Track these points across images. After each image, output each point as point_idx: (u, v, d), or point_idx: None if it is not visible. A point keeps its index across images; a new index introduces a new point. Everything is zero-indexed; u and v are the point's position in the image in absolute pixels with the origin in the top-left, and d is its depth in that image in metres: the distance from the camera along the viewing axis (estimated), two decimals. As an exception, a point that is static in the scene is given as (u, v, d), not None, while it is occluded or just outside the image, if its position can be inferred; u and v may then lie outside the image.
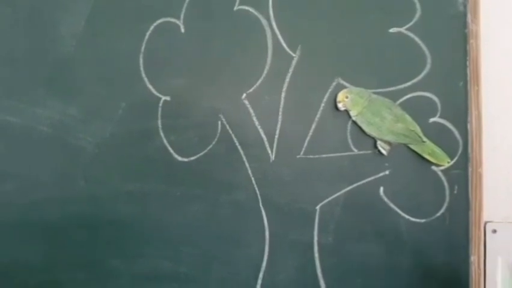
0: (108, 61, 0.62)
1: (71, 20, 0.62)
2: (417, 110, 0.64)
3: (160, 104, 0.62)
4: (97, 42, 0.62)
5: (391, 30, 0.63)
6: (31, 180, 0.62)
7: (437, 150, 0.64)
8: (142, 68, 0.62)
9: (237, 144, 0.63)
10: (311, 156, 0.64)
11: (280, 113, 0.63)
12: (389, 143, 0.64)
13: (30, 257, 0.62)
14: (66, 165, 0.62)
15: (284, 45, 0.63)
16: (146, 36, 0.62)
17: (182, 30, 0.62)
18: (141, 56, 0.62)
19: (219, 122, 0.63)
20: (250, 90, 0.63)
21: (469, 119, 0.64)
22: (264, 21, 0.63)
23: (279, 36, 0.63)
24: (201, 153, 0.63)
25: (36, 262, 0.63)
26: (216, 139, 0.63)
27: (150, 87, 0.62)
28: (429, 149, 0.64)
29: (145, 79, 0.62)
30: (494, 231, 0.67)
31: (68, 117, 0.61)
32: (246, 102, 0.63)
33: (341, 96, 0.63)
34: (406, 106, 0.64)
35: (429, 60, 0.63)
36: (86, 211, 0.62)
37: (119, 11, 0.62)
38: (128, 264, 0.63)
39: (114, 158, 0.62)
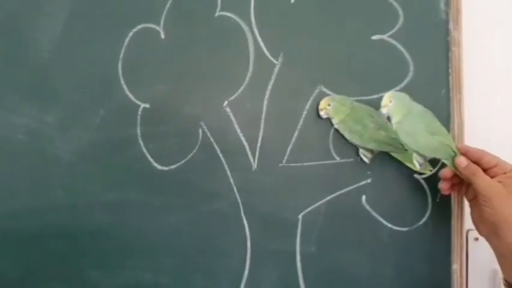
0: (86, 67, 0.60)
1: (48, 24, 0.60)
2: (400, 118, 0.63)
3: (139, 112, 0.61)
4: (74, 48, 0.60)
5: (373, 38, 0.63)
6: (7, 189, 0.60)
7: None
8: (120, 75, 0.61)
9: (219, 152, 0.62)
10: (293, 165, 0.63)
11: (262, 121, 0.63)
12: (371, 150, 0.63)
13: (6, 268, 0.61)
14: (43, 174, 0.60)
15: (266, 52, 0.62)
16: (126, 42, 0.61)
17: (163, 36, 0.61)
18: (120, 62, 0.61)
19: (200, 130, 0.62)
20: (232, 97, 0.62)
21: (451, 126, 0.64)
22: (245, 28, 0.62)
23: (261, 43, 0.62)
24: (181, 162, 0.62)
25: (13, 273, 0.61)
26: (196, 147, 0.62)
27: (129, 94, 0.61)
28: (412, 157, 0.63)
29: (124, 86, 0.61)
30: (476, 239, 0.68)
31: (45, 125, 0.60)
32: (228, 109, 0.62)
33: (323, 103, 0.63)
34: (388, 114, 0.63)
35: (411, 68, 0.63)
36: (64, 221, 0.61)
37: (97, 16, 0.61)
38: (108, 275, 0.62)
39: (92, 167, 0.61)
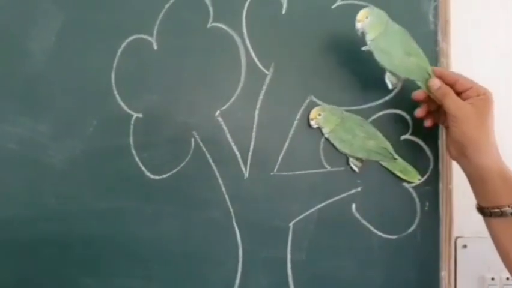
0: (79, 78, 0.61)
1: (41, 35, 0.61)
2: (389, 128, 0.65)
3: (132, 121, 0.62)
4: (67, 58, 0.61)
5: (363, 48, 0.64)
6: (0, 198, 0.60)
7: (409, 167, 0.65)
8: (113, 85, 0.61)
9: (211, 161, 0.63)
10: (285, 173, 0.64)
11: (254, 130, 0.64)
12: (361, 160, 0.64)
13: (-1, 276, 0.61)
14: (36, 183, 0.61)
15: (258, 62, 0.63)
16: (118, 53, 0.61)
17: (155, 47, 0.62)
18: (113, 72, 0.61)
19: (192, 139, 0.63)
20: (224, 107, 0.63)
21: (439, 136, 0.65)
22: (237, 39, 0.63)
23: (253, 54, 0.63)
24: (174, 171, 0.62)
25: (6, 282, 0.61)
26: (189, 156, 0.62)
27: (122, 104, 0.61)
28: (401, 166, 0.65)
29: (117, 96, 0.61)
30: (465, 246, 0.69)
31: (38, 134, 0.60)
32: (220, 119, 0.63)
33: (313, 113, 0.64)
34: (378, 123, 0.64)
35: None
36: (57, 229, 0.61)
37: (90, 27, 0.61)
38: (101, 282, 0.62)
39: (85, 176, 0.61)
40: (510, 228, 0.56)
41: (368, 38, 0.59)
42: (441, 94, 0.58)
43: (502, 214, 0.55)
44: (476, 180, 0.58)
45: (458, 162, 0.60)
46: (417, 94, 0.61)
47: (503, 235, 0.57)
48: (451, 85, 0.59)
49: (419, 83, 0.60)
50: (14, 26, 0.61)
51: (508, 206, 0.55)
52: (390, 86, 0.61)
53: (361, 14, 0.59)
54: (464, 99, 0.57)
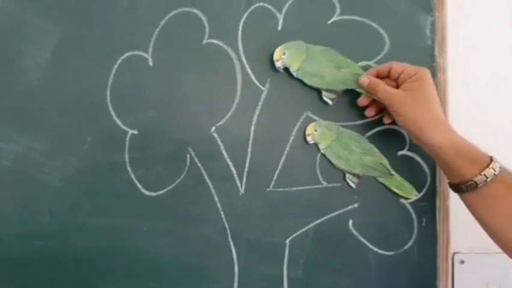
0: (74, 94, 0.61)
1: (36, 52, 0.60)
2: (386, 143, 0.64)
3: (128, 138, 0.61)
4: (63, 75, 0.61)
5: (360, 64, 0.63)
6: (-6, 215, 0.60)
7: (405, 183, 0.64)
8: (109, 102, 0.61)
9: (206, 177, 0.63)
10: (281, 189, 0.64)
11: (249, 146, 0.63)
12: (357, 176, 0.64)
13: (-7, 292, 0.61)
14: (31, 200, 0.61)
15: (253, 78, 0.63)
16: (114, 70, 0.61)
17: (151, 63, 0.62)
18: (108, 89, 0.61)
19: (188, 156, 0.62)
20: (220, 123, 0.63)
21: (436, 151, 0.65)
22: (233, 55, 0.63)
23: (248, 70, 0.63)
24: (169, 187, 0.62)
25: (0, 298, 0.61)
26: (184, 173, 0.62)
27: (117, 120, 0.61)
28: (398, 182, 0.64)
29: (112, 113, 0.61)
30: (462, 262, 0.68)
31: (33, 152, 0.60)
32: (215, 135, 0.63)
33: (309, 129, 0.63)
34: (374, 139, 0.64)
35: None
36: (52, 247, 0.61)
37: (86, 44, 0.61)
38: (96, 299, 0.62)
39: (80, 193, 0.61)
40: (483, 200, 0.56)
41: (293, 69, 0.61)
42: (372, 89, 0.59)
43: (471, 188, 0.55)
44: (436, 159, 0.59)
45: (420, 146, 0.60)
46: (361, 101, 0.62)
47: (480, 208, 0.57)
48: (387, 76, 0.60)
49: (359, 90, 0.62)
50: (9, 43, 0.60)
51: (471, 180, 0.55)
52: (330, 102, 0.63)
53: (276, 54, 0.61)
54: (400, 85, 0.59)
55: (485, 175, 0.54)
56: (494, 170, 0.54)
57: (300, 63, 0.61)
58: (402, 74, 0.59)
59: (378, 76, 0.61)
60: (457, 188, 0.57)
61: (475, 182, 0.54)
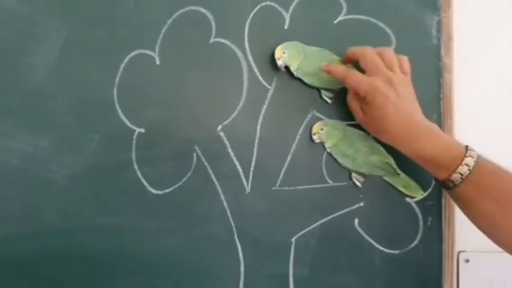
0: (81, 93, 0.61)
1: (43, 50, 0.60)
2: (392, 143, 0.64)
3: (135, 137, 0.61)
4: (70, 73, 0.61)
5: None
6: (1, 214, 0.60)
7: (411, 182, 0.65)
8: (116, 100, 0.61)
9: (212, 176, 0.63)
10: (287, 188, 0.64)
11: (255, 145, 0.63)
12: (363, 174, 0.64)
13: (1, 291, 0.61)
14: (38, 199, 0.60)
15: (260, 77, 0.63)
16: (121, 68, 0.61)
17: (158, 62, 0.62)
18: (115, 88, 0.61)
19: (194, 154, 0.62)
20: (226, 122, 0.63)
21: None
22: (239, 54, 0.63)
23: (255, 69, 0.63)
24: (176, 186, 0.62)
25: (6, 297, 0.61)
26: (191, 171, 0.62)
27: (124, 119, 0.61)
28: (404, 182, 0.64)
29: (119, 111, 0.61)
30: (467, 260, 0.69)
31: (40, 150, 0.60)
32: (222, 134, 0.63)
33: (316, 128, 0.63)
34: (381, 138, 0.64)
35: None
36: (59, 245, 0.61)
37: (93, 42, 0.61)
38: (102, 297, 0.62)
39: (87, 191, 0.61)
40: (458, 200, 0.59)
41: (293, 68, 0.62)
42: (340, 77, 0.59)
43: (446, 188, 0.58)
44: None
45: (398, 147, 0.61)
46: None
47: (460, 207, 0.60)
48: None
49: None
50: (16, 42, 0.60)
51: (443, 182, 0.58)
52: (329, 101, 0.63)
53: (277, 52, 0.61)
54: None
55: (452, 181, 0.56)
56: (461, 174, 0.55)
57: (298, 62, 0.62)
58: (357, 90, 0.59)
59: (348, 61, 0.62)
60: (445, 184, 0.59)
61: (445, 184, 0.58)
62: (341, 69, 0.60)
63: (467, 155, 0.56)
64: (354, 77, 0.58)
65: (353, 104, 0.61)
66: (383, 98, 0.56)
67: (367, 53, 0.59)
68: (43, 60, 0.61)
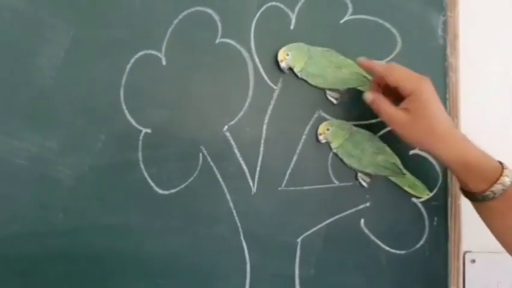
0: (88, 93, 0.61)
1: (50, 50, 0.60)
2: (398, 143, 0.64)
3: (141, 137, 0.61)
4: (76, 74, 0.61)
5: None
6: (8, 213, 0.60)
7: (417, 182, 0.64)
8: (122, 101, 0.61)
9: (218, 176, 0.63)
10: (293, 188, 0.64)
11: (261, 145, 0.63)
12: (369, 175, 0.64)
13: (7, 291, 0.61)
14: (44, 198, 0.61)
15: (266, 77, 0.63)
16: (127, 69, 0.61)
17: (164, 62, 0.62)
18: (122, 88, 0.61)
19: (200, 154, 0.62)
20: (232, 122, 0.63)
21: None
22: (245, 54, 0.63)
23: (261, 69, 0.63)
24: (182, 186, 0.62)
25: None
26: (197, 171, 0.62)
27: (131, 119, 0.61)
28: (410, 182, 0.64)
29: (126, 111, 0.61)
30: (473, 261, 0.69)
31: (47, 150, 0.60)
32: (228, 134, 0.63)
33: (322, 128, 0.63)
34: (387, 138, 0.64)
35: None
36: (65, 245, 0.61)
37: (99, 43, 0.61)
38: (108, 297, 0.62)
39: (93, 191, 0.61)
40: (490, 212, 0.56)
41: (297, 70, 0.62)
42: (375, 108, 0.59)
43: (479, 201, 0.55)
44: (450, 168, 0.59)
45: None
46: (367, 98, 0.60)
47: (488, 219, 0.57)
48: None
49: (361, 88, 0.63)
50: (23, 42, 0.61)
51: (479, 195, 0.55)
52: (334, 101, 0.63)
53: (280, 55, 0.61)
54: (400, 100, 0.57)
55: (493, 192, 0.53)
56: (503, 186, 0.53)
57: (302, 64, 0.62)
58: (398, 89, 0.57)
59: (379, 85, 0.60)
60: (466, 194, 0.57)
61: (482, 197, 0.54)
62: (382, 65, 0.58)
63: (504, 166, 0.54)
64: (398, 72, 0.57)
65: (390, 109, 0.57)
66: (431, 92, 0.55)
67: (392, 67, 0.58)
68: (50, 61, 0.61)
